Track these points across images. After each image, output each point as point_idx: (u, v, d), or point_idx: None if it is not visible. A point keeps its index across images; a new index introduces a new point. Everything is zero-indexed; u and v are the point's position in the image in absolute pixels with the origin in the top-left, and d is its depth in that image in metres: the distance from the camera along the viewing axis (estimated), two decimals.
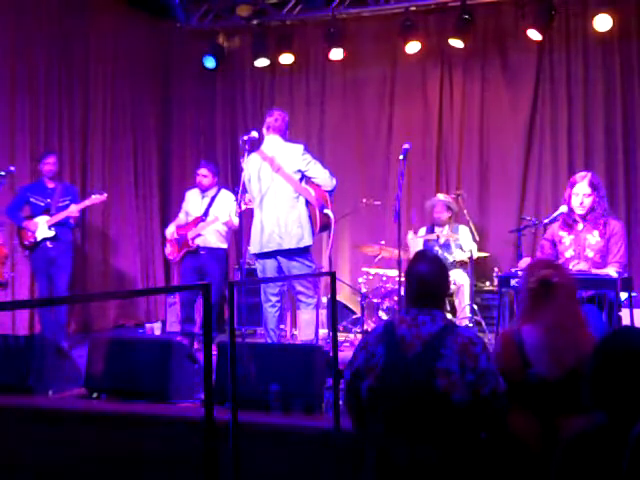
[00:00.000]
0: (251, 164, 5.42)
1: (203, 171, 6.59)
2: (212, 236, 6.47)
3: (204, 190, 6.60)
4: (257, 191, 5.40)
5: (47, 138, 7.16)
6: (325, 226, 5.44)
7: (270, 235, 5.30)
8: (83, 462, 3.85)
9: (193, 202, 6.66)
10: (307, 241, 5.31)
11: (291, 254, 5.32)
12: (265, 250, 5.35)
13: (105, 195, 6.58)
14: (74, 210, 6.38)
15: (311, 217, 5.36)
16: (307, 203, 5.34)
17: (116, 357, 4.41)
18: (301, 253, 5.34)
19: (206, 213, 6.51)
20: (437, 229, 7.02)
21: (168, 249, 6.65)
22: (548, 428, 2.80)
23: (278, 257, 5.34)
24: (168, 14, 8.34)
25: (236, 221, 6.17)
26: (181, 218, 6.74)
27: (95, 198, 6.52)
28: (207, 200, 6.58)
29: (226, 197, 6.56)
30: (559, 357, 2.85)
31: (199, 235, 6.44)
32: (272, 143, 5.42)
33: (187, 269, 6.56)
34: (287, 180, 5.30)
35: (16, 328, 6.71)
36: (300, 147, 5.40)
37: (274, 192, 5.32)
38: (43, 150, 6.93)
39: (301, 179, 5.36)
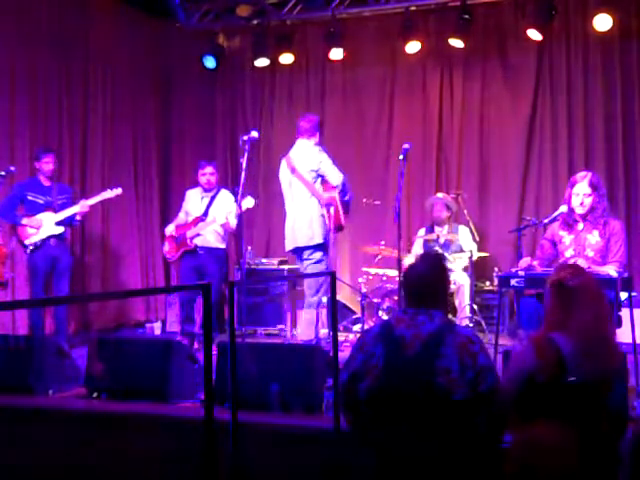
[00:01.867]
0: (281, 168, 5.89)
1: (210, 169, 6.58)
2: (211, 236, 6.47)
3: (208, 190, 6.60)
4: (285, 193, 5.87)
5: (47, 138, 7.14)
6: (339, 227, 5.77)
7: (288, 234, 5.78)
8: (83, 462, 3.85)
9: (193, 201, 6.67)
10: (316, 240, 5.62)
11: (302, 252, 5.70)
12: (287, 248, 5.87)
13: (120, 190, 6.52)
14: (85, 205, 6.36)
15: (323, 217, 5.65)
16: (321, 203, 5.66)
17: (116, 357, 4.41)
18: (311, 251, 5.62)
19: (206, 213, 6.51)
20: (437, 229, 7.02)
21: (166, 247, 6.65)
22: (585, 437, 2.71)
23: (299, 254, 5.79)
24: (168, 14, 8.34)
25: (233, 223, 6.22)
26: (181, 217, 6.74)
27: (108, 193, 6.46)
28: (207, 200, 6.58)
29: (226, 197, 6.56)
30: (596, 363, 2.75)
31: (198, 235, 6.44)
32: (297, 146, 5.80)
33: (186, 269, 6.56)
34: (301, 181, 5.67)
35: (16, 328, 6.71)
36: (316, 148, 5.70)
37: (292, 193, 5.76)
38: (44, 147, 6.93)
39: (315, 179, 5.66)
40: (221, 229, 6.50)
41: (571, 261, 4.66)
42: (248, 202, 5.96)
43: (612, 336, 2.92)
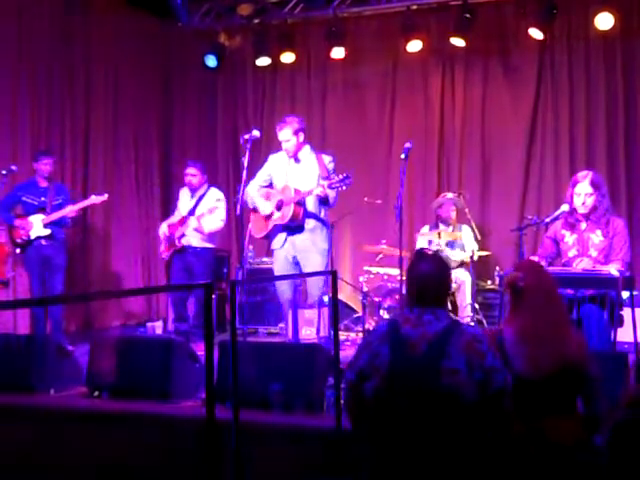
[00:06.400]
0: None
1: (192, 170, 6.62)
2: (194, 236, 6.51)
3: (193, 189, 6.62)
4: None
5: (49, 138, 7.15)
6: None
7: None
8: (84, 461, 3.85)
9: (184, 200, 6.71)
10: None
11: None
12: None
13: (105, 196, 6.50)
14: (72, 209, 6.35)
15: None
16: None
17: (117, 356, 4.41)
18: None
19: (192, 212, 6.54)
20: (442, 227, 6.97)
21: (162, 247, 6.71)
22: (532, 429, 2.80)
23: None
24: (169, 13, 8.34)
25: (205, 225, 6.36)
26: (176, 216, 6.77)
27: (94, 199, 6.46)
28: (195, 199, 6.61)
29: (214, 196, 6.60)
30: (535, 360, 2.86)
31: (184, 235, 6.47)
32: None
33: (176, 268, 6.62)
34: None
35: (17, 327, 6.71)
36: None
37: None
38: (44, 149, 6.93)
39: None
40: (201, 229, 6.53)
41: (576, 261, 4.67)
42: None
43: (560, 339, 2.91)
